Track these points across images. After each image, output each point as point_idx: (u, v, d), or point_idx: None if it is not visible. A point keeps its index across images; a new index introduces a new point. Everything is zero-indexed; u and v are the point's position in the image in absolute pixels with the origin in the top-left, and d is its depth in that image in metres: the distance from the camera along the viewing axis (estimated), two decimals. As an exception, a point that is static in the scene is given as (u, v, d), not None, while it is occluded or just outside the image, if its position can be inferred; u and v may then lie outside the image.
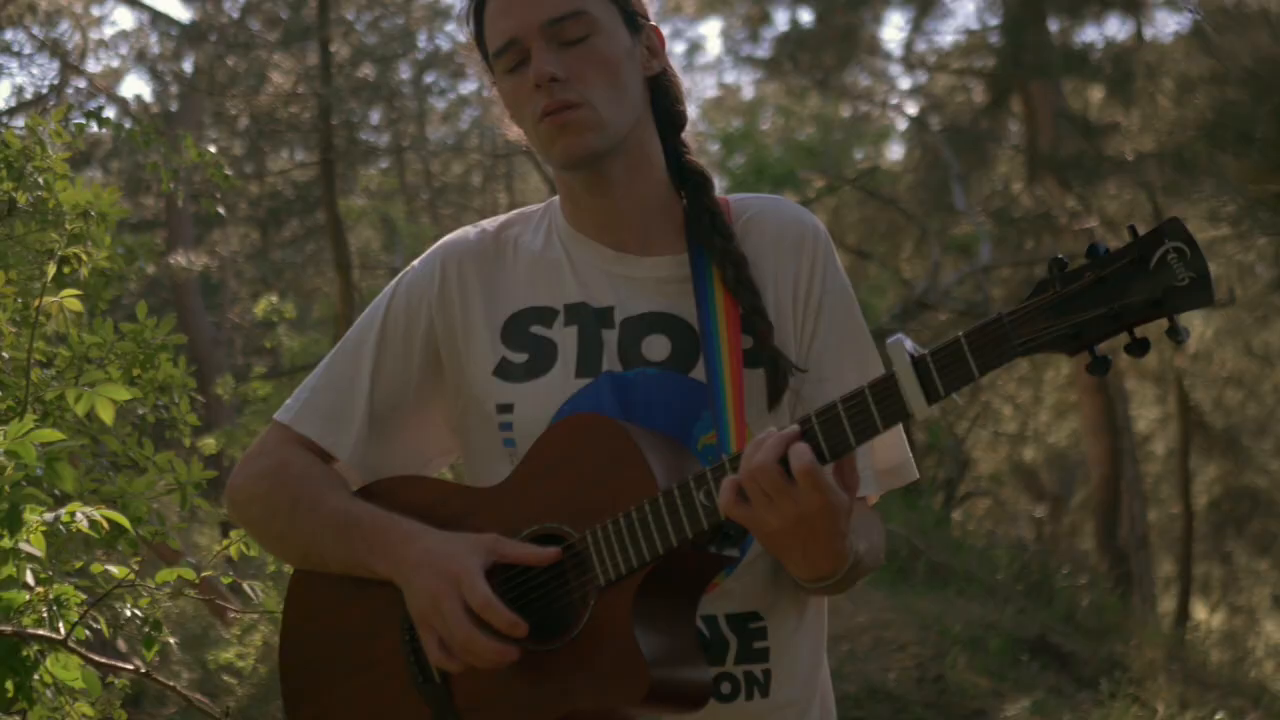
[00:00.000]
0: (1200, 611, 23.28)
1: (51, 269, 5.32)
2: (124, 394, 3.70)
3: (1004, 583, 14.09)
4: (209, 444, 11.36)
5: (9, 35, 20.55)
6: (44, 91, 21.73)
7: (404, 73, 20.57)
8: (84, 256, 5.43)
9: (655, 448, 2.60)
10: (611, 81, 2.74)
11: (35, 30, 20.99)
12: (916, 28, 21.44)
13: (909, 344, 2.35)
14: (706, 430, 2.71)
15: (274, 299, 15.25)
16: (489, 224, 2.94)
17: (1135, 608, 14.89)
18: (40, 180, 5.41)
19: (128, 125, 7.44)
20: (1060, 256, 2.26)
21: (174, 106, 21.99)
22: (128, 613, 3.49)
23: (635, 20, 2.81)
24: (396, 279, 2.92)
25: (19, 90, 21.94)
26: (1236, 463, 22.93)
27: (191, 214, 20.09)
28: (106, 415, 3.65)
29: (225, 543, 3.94)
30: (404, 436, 2.88)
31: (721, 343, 2.70)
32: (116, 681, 3.49)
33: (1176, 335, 2.22)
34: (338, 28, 14.06)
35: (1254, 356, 21.35)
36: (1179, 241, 2.17)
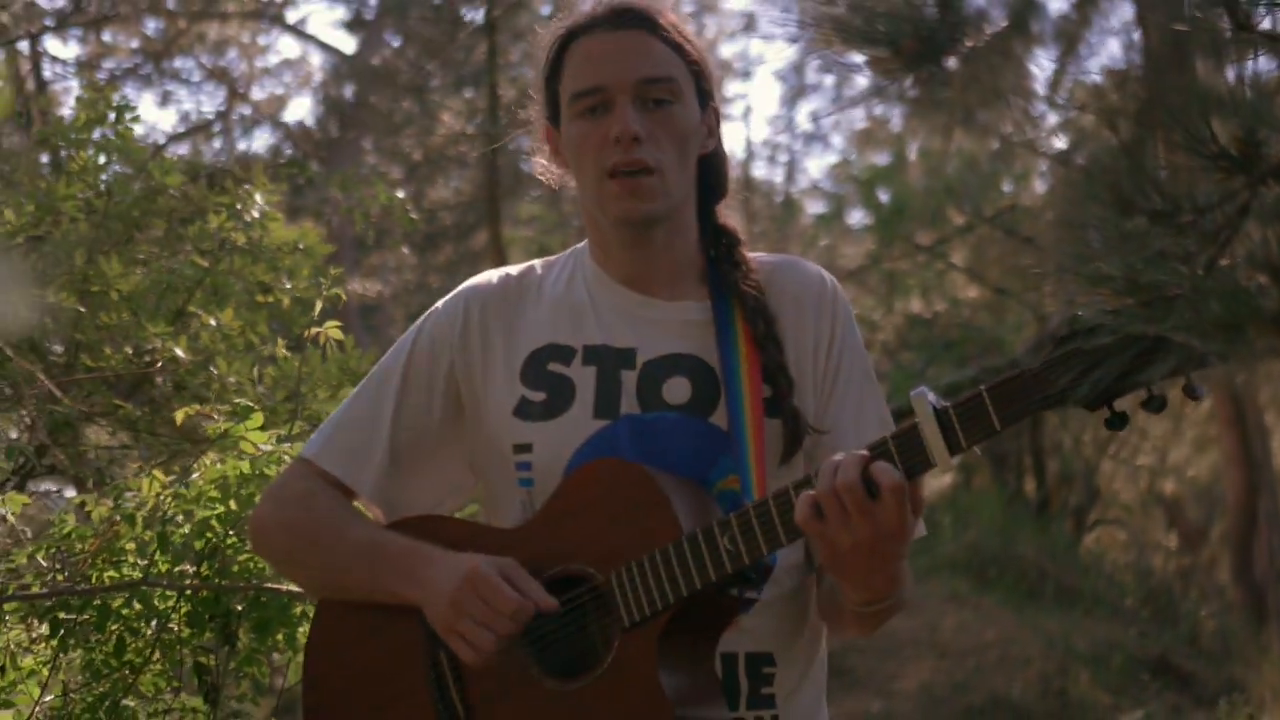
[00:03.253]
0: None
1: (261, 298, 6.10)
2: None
3: (1131, 606, 14.40)
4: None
5: (179, 63, 21.27)
6: (210, 117, 22.48)
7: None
8: (285, 287, 6.20)
9: (679, 493, 2.62)
10: (681, 151, 2.77)
11: (204, 59, 21.70)
12: (1061, 67, 21.73)
13: (931, 396, 2.42)
14: (723, 475, 2.72)
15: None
16: (513, 269, 2.95)
17: (1269, 639, 15.10)
18: (255, 220, 6.16)
19: (291, 154, 8.22)
20: (1080, 312, 2.30)
21: (334, 132, 22.70)
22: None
23: (705, 98, 2.86)
24: (421, 320, 2.94)
25: (186, 116, 22.63)
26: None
27: (351, 239, 20.81)
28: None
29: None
30: (424, 473, 2.90)
31: (743, 388, 2.73)
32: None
33: (1194, 393, 2.27)
34: (503, 72, 14.82)
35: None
36: None
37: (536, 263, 2.97)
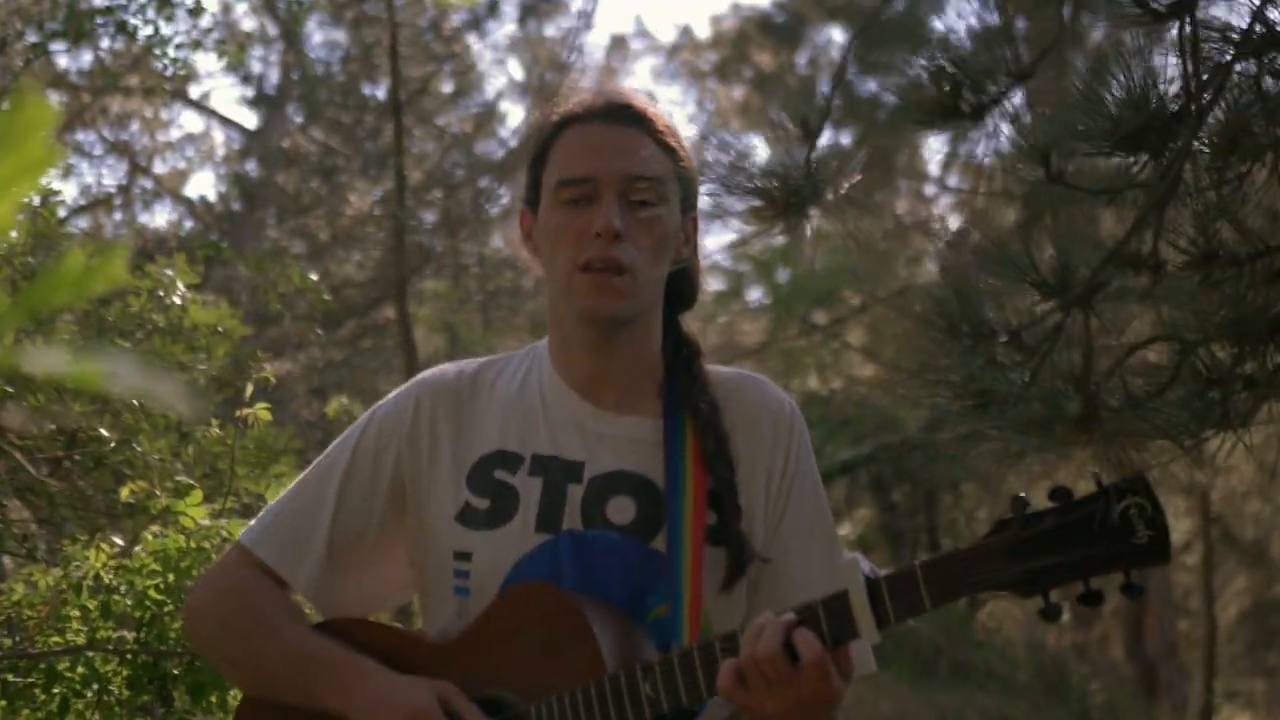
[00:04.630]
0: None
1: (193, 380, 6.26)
2: (296, 480, 4.60)
3: (1024, 681, 14.70)
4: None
5: (81, 137, 21.22)
6: (111, 190, 22.41)
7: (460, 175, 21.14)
8: (201, 368, 6.36)
9: (607, 626, 2.56)
10: (657, 256, 2.70)
11: (106, 132, 21.66)
12: (953, 151, 22.20)
13: (865, 565, 2.36)
14: (660, 602, 2.63)
15: (344, 399, 16.10)
16: (468, 365, 2.86)
17: (1159, 712, 15.43)
18: (176, 304, 6.33)
19: (225, 246, 8.42)
20: (1022, 495, 2.27)
21: (236, 207, 22.66)
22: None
23: (688, 205, 2.79)
24: (371, 411, 2.85)
25: (87, 189, 22.58)
26: (1266, 575, 23.42)
27: (251, 316, 20.70)
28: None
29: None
30: (363, 570, 2.81)
31: (686, 516, 2.63)
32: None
33: (1131, 591, 2.21)
34: (410, 155, 15.05)
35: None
36: (1141, 498, 2.18)
37: (493, 358, 2.90)
